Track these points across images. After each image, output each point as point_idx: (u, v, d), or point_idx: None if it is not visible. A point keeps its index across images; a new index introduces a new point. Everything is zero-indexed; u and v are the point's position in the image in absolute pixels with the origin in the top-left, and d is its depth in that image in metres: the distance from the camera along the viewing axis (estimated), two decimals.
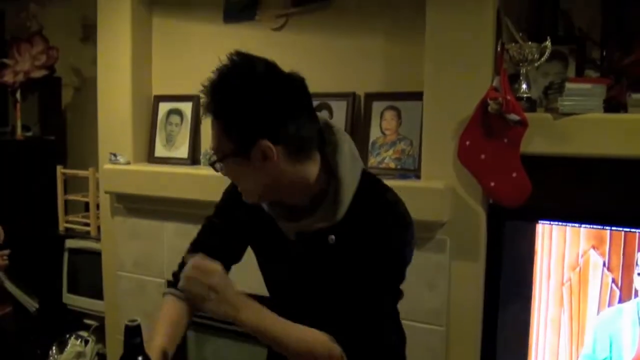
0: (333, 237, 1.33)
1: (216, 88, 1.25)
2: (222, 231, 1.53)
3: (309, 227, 1.34)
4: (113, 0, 2.94)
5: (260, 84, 1.24)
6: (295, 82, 1.28)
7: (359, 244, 1.31)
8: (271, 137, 1.23)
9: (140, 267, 2.98)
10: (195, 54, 2.89)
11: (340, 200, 1.31)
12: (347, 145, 1.36)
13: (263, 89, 1.23)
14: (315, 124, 1.33)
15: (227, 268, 1.47)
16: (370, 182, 1.38)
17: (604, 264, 1.99)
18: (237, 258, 1.56)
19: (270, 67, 1.27)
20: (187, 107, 2.90)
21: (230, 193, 1.52)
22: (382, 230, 1.31)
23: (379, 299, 1.35)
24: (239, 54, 1.27)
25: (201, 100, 1.28)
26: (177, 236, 2.83)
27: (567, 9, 2.31)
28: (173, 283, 1.51)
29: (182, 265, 1.49)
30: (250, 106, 1.22)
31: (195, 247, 1.53)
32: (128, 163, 2.91)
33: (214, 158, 1.31)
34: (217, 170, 1.33)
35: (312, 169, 1.32)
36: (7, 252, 2.62)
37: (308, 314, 1.36)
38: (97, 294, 3.19)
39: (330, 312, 1.35)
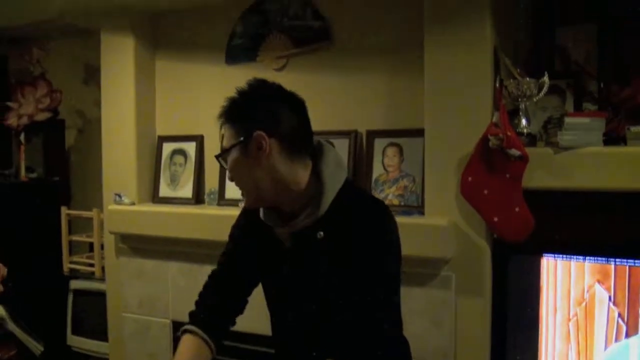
0: (322, 232, 1.45)
1: (230, 98, 1.48)
2: (235, 258, 1.65)
3: (299, 225, 1.47)
4: (116, 44, 3.00)
5: (264, 88, 1.49)
6: (295, 97, 1.51)
7: (344, 237, 1.43)
8: (266, 130, 1.42)
9: (145, 308, 2.97)
10: (198, 94, 2.93)
11: (323, 197, 1.45)
12: (332, 154, 1.52)
13: (266, 91, 1.48)
14: (310, 135, 1.52)
15: (248, 292, 1.66)
16: (352, 186, 1.54)
17: (610, 299, 1.99)
18: (254, 281, 1.67)
19: (278, 84, 1.51)
20: (190, 147, 2.93)
21: (236, 227, 1.68)
22: (364, 221, 1.43)
23: (371, 288, 1.42)
24: (255, 79, 1.50)
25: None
26: (182, 276, 2.83)
27: (563, 43, 2.35)
28: (191, 322, 1.61)
29: (198, 303, 1.66)
30: (252, 101, 1.46)
31: (214, 277, 1.68)
32: (132, 203, 2.93)
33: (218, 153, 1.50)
34: (222, 166, 1.50)
35: (304, 173, 1.48)
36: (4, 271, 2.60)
37: (306, 320, 1.49)
38: (102, 335, 3.18)
39: (327, 314, 1.45)
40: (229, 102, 1.48)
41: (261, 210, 1.56)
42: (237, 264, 1.64)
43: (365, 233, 1.42)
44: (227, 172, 1.52)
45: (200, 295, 1.68)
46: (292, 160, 1.46)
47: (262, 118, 1.44)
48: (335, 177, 1.48)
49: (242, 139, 1.44)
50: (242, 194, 1.54)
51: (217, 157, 1.51)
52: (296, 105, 1.49)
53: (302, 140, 1.49)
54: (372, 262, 1.42)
